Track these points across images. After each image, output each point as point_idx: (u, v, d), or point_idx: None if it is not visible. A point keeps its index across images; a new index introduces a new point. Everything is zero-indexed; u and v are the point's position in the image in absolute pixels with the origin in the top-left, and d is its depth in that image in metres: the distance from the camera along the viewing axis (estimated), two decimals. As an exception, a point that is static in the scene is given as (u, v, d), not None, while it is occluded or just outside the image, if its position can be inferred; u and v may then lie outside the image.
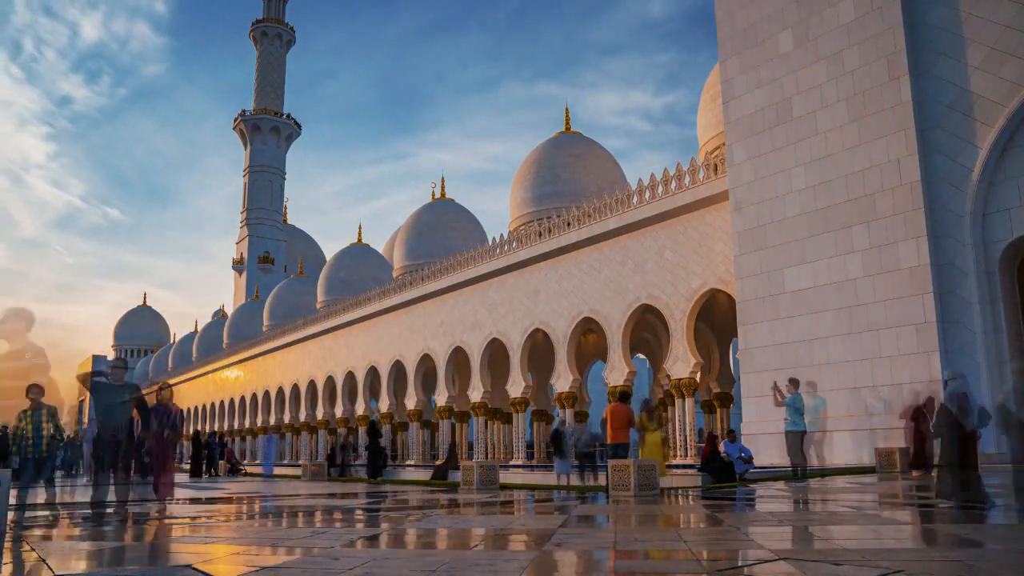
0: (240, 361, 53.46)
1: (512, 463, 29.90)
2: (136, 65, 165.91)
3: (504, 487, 14.22)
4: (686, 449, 24.25)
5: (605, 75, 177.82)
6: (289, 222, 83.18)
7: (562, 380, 27.10)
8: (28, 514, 9.56)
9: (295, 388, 45.39)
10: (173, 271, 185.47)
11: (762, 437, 19.08)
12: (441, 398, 32.78)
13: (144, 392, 10.98)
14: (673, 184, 23.35)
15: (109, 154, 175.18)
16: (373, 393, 39.27)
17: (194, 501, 12.83)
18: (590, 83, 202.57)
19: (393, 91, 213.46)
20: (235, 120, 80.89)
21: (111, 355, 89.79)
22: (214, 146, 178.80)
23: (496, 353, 30.81)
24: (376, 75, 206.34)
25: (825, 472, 15.44)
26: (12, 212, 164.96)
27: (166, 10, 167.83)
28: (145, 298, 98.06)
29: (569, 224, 27.04)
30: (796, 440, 14.75)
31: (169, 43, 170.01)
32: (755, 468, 15.63)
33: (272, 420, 47.95)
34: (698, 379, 23.63)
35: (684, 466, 21.24)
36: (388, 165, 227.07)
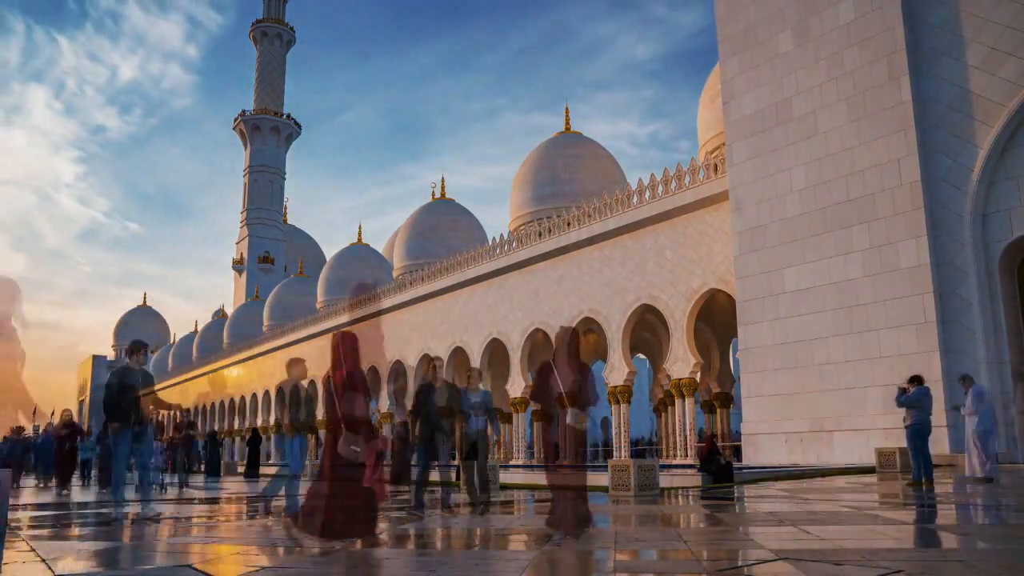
0: (240, 361, 53.47)
1: (512, 463, 29.90)
2: (167, 99, 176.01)
3: (504, 487, 14.22)
4: (686, 449, 24.24)
5: (596, 107, 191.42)
6: (289, 222, 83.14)
7: (562, 380, 27.07)
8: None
9: (295, 388, 45.39)
10: (189, 279, 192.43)
11: (762, 437, 19.09)
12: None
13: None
14: (673, 184, 23.36)
15: (134, 175, 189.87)
16: (373, 393, 39.29)
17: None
18: (583, 114, 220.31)
19: (397, 101, 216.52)
20: (235, 120, 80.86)
21: (111, 355, 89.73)
22: (233, 170, 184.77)
23: (496, 353, 30.81)
24: (380, 97, 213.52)
25: (825, 472, 15.44)
26: (38, 226, 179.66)
27: (197, 54, 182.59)
28: (145, 298, 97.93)
29: (569, 224, 27.04)
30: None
31: (198, 81, 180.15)
32: (756, 468, 15.60)
33: (272, 420, 47.96)
34: (698, 379, 23.63)
35: (684, 466, 21.24)
36: (388, 165, 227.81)
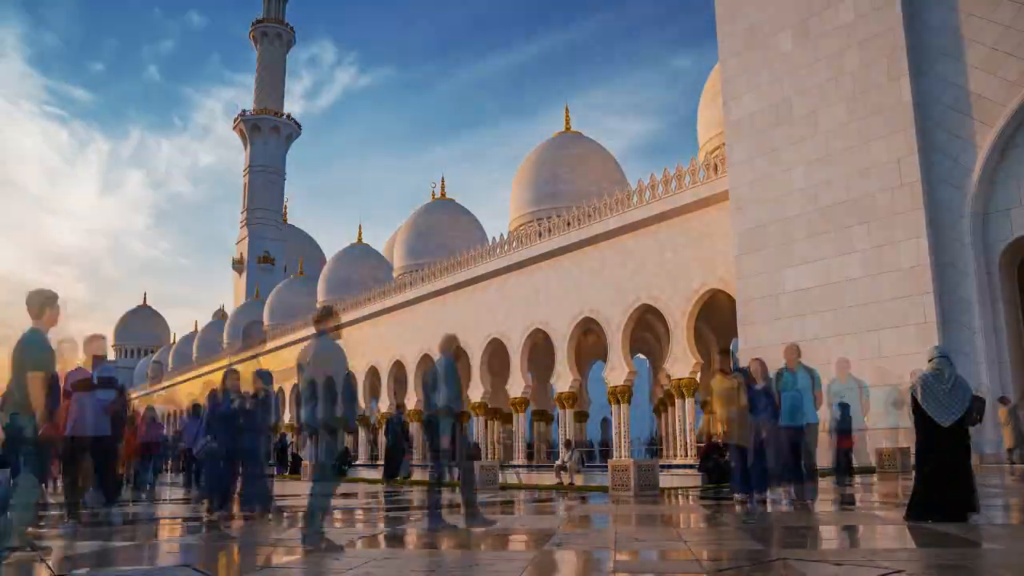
0: (240, 361, 53.48)
1: (512, 463, 29.89)
2: (232, 177, 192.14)
3: (504, 487, 14.23)
4: (686, 449, 24.24)
5: (596, 107, 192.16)
6: (289, 222, 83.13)
7: (562, 380, 27.10)
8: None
9: (295, 388, 45.40)
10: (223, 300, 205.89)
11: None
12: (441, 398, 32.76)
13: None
14: (673, 184, 23.35)
15: (196, 224, 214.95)
16: (373, 393, 39.26)
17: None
18: (583, 114, 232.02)
19: (397, 101, 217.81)
20: (235, 120, 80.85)
21: (112, 356, 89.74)
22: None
23: (496, 353, 30.81)
24: (380, 96, 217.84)
25: (825, 472, 15.43)
26: (103, 262, 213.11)
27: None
28: (145, 298, 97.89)
29: (569, 224, 27.04)
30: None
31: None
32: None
33: (272, 419, 47.95)
34: (698, 379, 23.62)
35: (684, 466, 21.23)
36: (389, 165, 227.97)
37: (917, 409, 6.55)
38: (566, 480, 14.59)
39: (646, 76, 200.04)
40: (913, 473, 7.16)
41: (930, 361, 6.69)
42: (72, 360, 7.92)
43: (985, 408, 6.90)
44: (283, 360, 47.35)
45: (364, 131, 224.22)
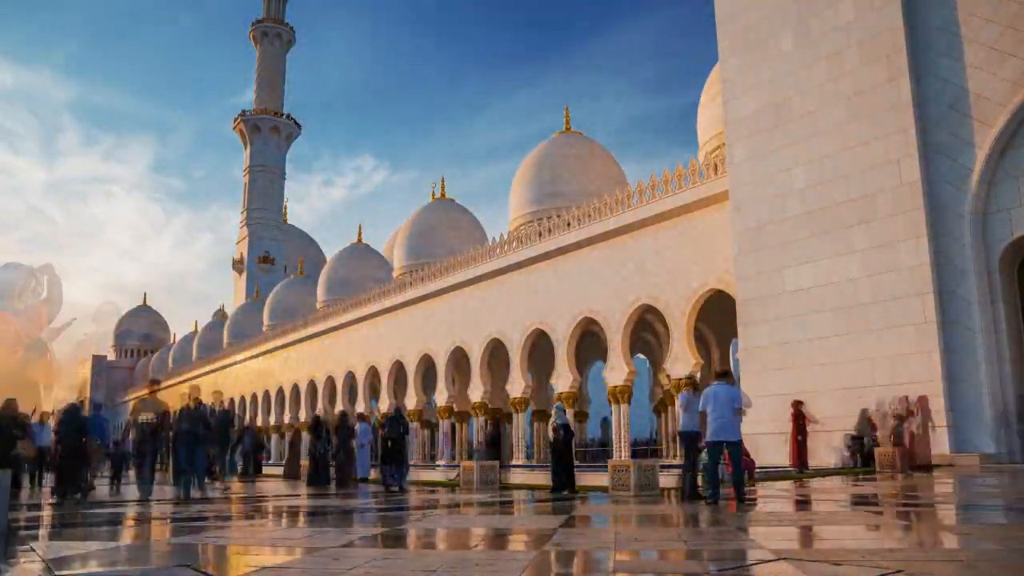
0: (240, 361, 53.49)
1: (512, 463, 29.89)
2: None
3: (504, 487, 14.23)
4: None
5: (596, 106, 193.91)
6: (289, 222, 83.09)
7: (562, 380, 27.10)
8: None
9: (295, 388, 45.40)
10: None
11: (762, 437, 19.07)
12: (441, 398, 32.78)
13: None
14: (673, 184, 23.35)
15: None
16: (373, 393, 39.26)
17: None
18: (583, 114, 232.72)
19: (397, 101, 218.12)
20: (235, 120, 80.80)
21: (112, 356, 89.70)
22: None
23: (496, 353, 30.80)
24: (381, 96, 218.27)
25: (825, 472, 15.46)
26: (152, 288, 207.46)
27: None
28: (145, 298, 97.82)
29: (569, 224, 27.03)
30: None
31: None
32: (756, 468, 15.58)
33: (272, 419, 47.96)
34: (698, 379, 23.60)
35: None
36: (389, 165, 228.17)
37: None
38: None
39: (646, 76, 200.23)
40: None
41: None
42: None
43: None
44: (284, 359, 47.42)
45: (365, 131, 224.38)
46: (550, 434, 14.48)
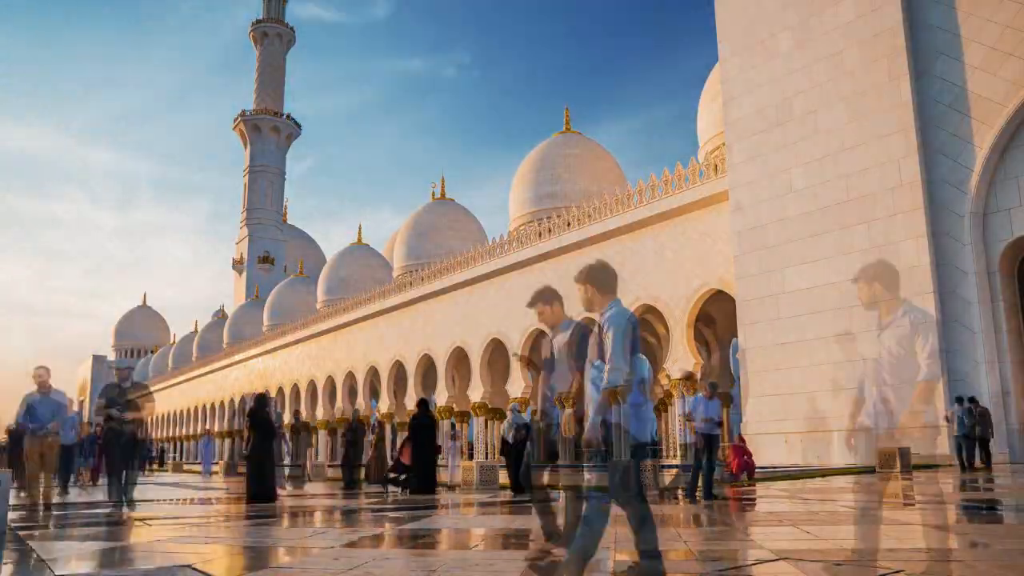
0: (240, 361, 53.46)
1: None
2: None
3: (504, 487, 14.22)
4: (685, 449, 24.24)
5: (596, 106, 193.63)
6: (289, 222, 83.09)
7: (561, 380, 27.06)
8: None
9: (295, 388, 45.39)
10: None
11: (762, 437, 19.09)
12: (441, 398, 32.77)
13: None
14: (673, 184, 23.34)
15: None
16: (373, 393, 39.25)
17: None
18: (583, 114, 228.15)
19: (397, 101, 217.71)
20: (235, 120, 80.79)
21: (112, 356, 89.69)
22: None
23: (496, 353, 30.79)
24: (381, 96, 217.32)
25: (825, 472, 15.45)
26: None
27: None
28: (145, 298, 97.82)
29: (569, 224, 27.02)
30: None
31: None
32: (756, 468, 15.56)
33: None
34: (698, 379, 23.60)
35: (684, 466, 21.22)
36: (389, 165, 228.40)
37: None
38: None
39: (646, 76, 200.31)
40: None
41: None
42: None
43: None
44: (284, 359, 47.41)
45: (365, 131, 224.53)
46: (508, 436, 13.66)
